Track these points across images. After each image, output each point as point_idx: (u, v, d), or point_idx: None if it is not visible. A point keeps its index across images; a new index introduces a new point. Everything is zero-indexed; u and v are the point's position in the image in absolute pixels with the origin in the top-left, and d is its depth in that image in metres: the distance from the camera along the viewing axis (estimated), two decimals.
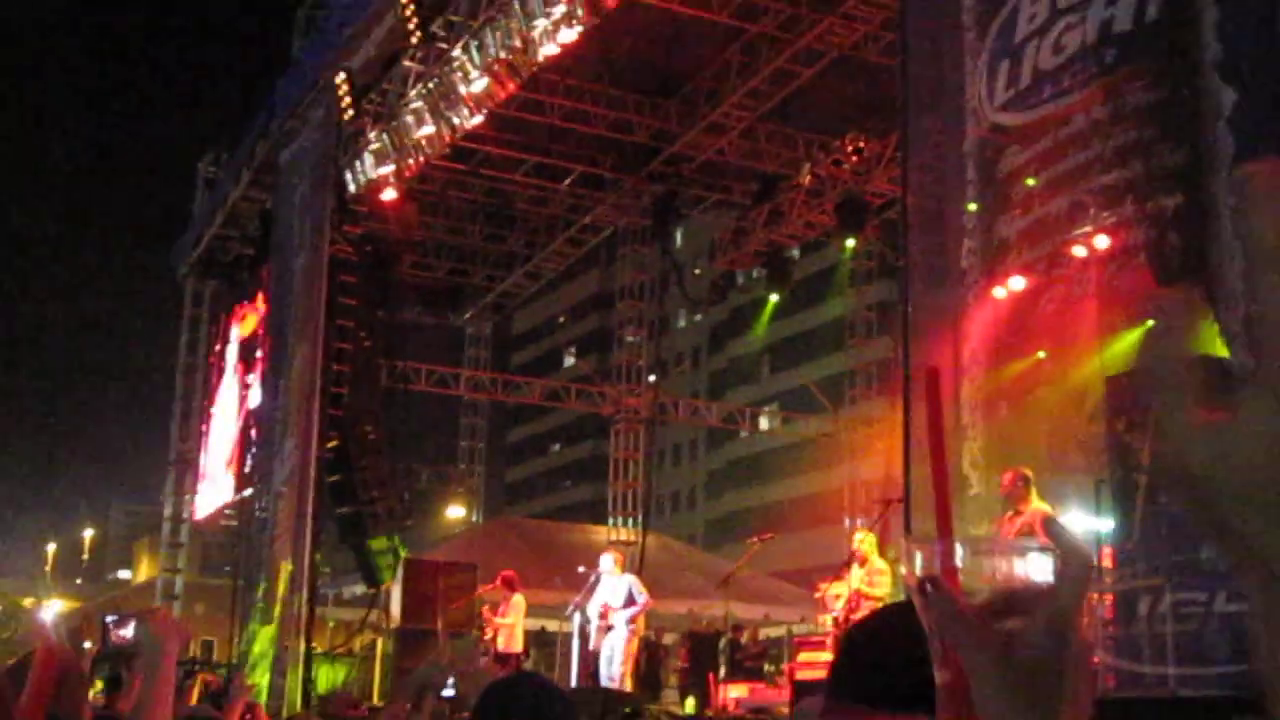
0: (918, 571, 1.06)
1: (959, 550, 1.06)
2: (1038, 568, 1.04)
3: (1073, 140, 11.16)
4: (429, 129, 21.26)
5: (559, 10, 17.94)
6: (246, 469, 27.53)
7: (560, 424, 76.68)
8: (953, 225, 12.60)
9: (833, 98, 22.59)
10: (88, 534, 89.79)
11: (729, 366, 68.75)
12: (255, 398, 27.50)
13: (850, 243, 25.99)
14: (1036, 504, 11.10)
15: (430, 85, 20.71)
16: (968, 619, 1.04)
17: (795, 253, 29.01)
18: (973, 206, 12.43)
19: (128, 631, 20.34)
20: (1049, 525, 1.13)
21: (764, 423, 53.65)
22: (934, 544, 1.05)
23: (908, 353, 12.68)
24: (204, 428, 31.19)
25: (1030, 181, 11.68)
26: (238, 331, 29.95)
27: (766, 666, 19.76)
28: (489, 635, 19.59)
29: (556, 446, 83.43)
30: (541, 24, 18.28)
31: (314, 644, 22.22)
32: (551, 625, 24.76)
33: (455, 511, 46.04)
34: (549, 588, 23.26)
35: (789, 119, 23.94)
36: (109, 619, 22.32)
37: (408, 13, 20.28)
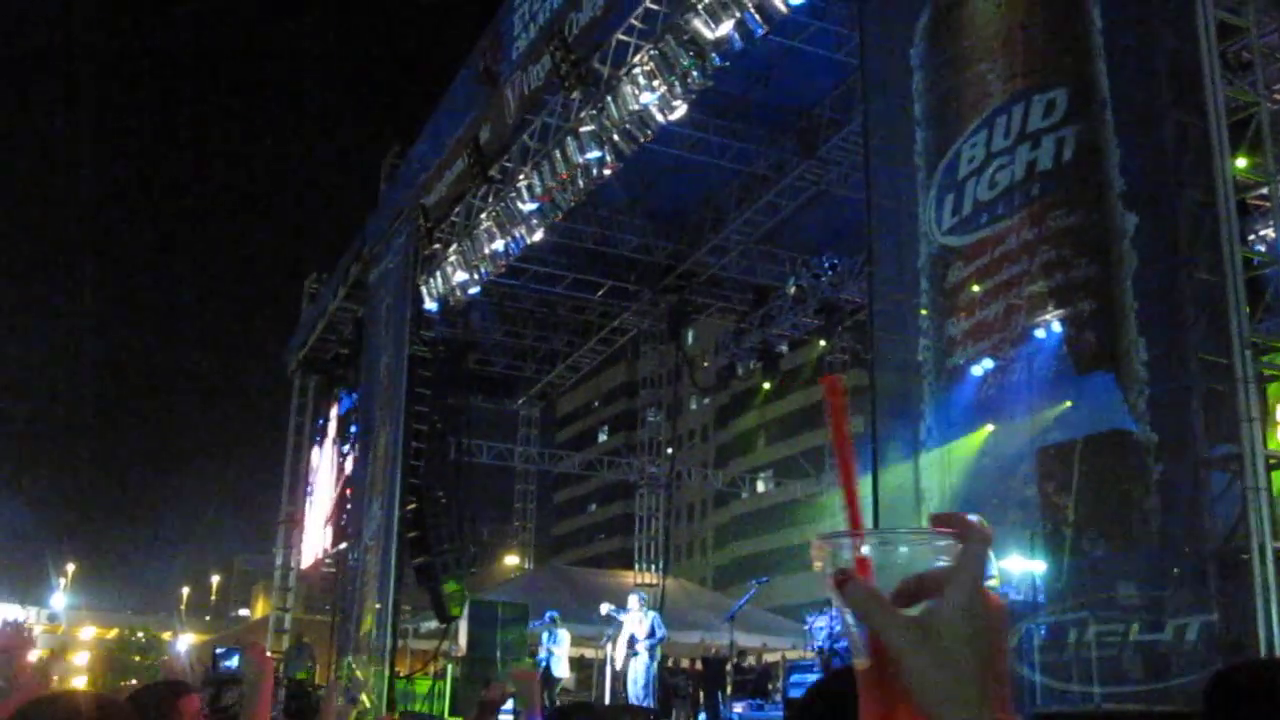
0: (830, 568, 0.98)
1: (868, 542, 0.96)
2: (937, 553, 0.97)
3: (1006, 257, 11.14)
4: (487, 252, 21.36)
5: (592, 156, 18.06)
6: (342, 525, 27.46)
7: (596, 488, 76.47)
8: (910, 326, 12.57)
9: (812, 224, 22.67)
10: (214, 580, 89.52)
11: (731, 441, 68.44)
12: (349, 467, 27.48)
13: (823, 342, 25.97)
14: None
15: (490, 217, 20.84)
16: (887, 605, 0.95)
17: (784, 348, 28.96)
18: (925, 311, 12.40)
19: (232, 661, 20.20)
20: (946, 512, 1.03)
21: (760, 486, 53.46)
22: (846, 539, 0.96)
23: (875, 429, 12.59)
24: (309, 489, 31.21)
25: (974, 289, 11.65)
26: (335, 414, 30.02)
27: (769, 685, 19.51)
28: (540, 662, 19.41)
29: (593, 506, 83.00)
30: (578, 167, 18.41)
31: (396, 669, 22.03)
32: (589, 653, 24.51)
33: (511, 560, 45.84)
34: (587, 622, 23.00)
35: (778, 241, 24.03)
36: (218, 650, 22.10)
37: (471, 160, 20.46)
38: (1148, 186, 9.81)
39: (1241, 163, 9.70)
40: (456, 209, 22.36)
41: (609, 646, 18.56)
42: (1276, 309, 9.55)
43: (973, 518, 0.96)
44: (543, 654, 19.42)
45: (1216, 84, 9.35)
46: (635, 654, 17.18)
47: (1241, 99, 9.71)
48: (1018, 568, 11.07)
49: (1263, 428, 8.81)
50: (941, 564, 0.94)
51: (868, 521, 1.01)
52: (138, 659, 61.42)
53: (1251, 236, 9.95)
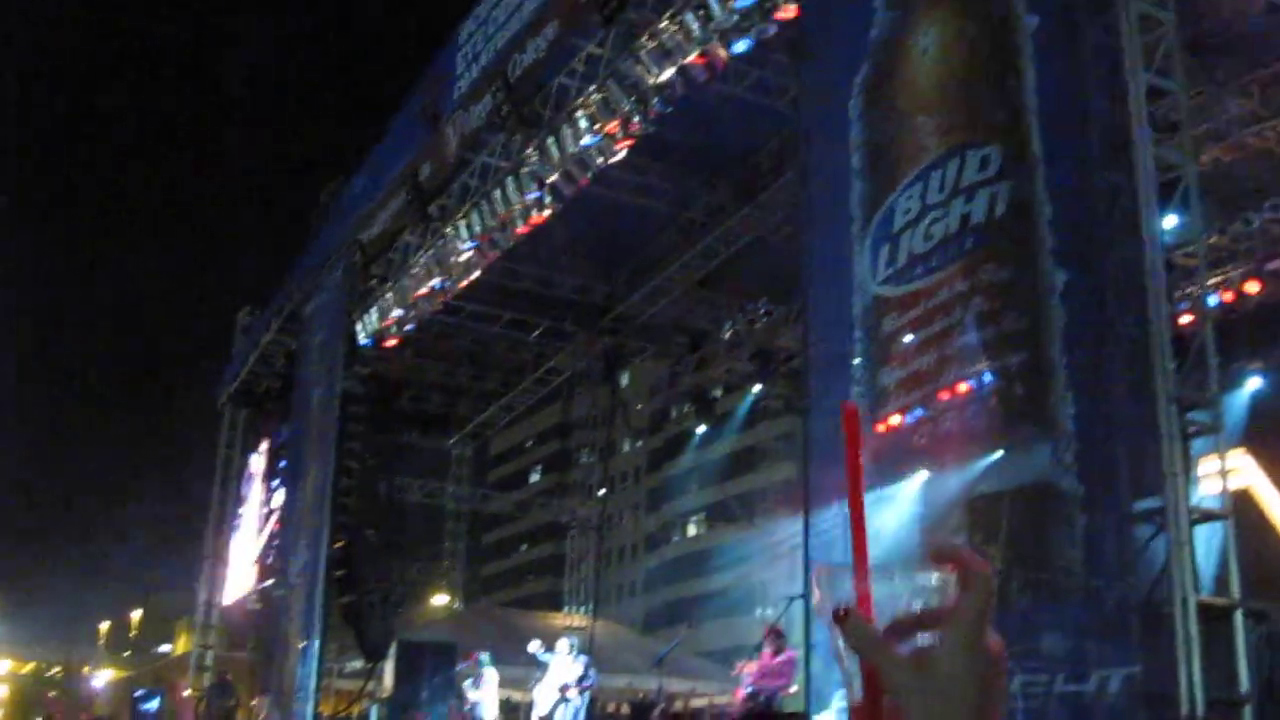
0: (830, 600, 0.97)
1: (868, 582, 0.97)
2: (936, 589, 0.96)
3: (939, 309, 11.26)
4: (424, 290, 21.33)
5: (531, 197, 18.11)
6: (268, 562, 27.11)
7: (527, 529, 75.77)
8: (844, 374, 12.65)
9: (749, 270, 22.83)
10: (135, 614, 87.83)
11: (664, 484, 68.40)
12: (277, 502, 27.16)
13: (758, 388, 25.97)
14: None
15: (427, 254, 20.80)
16: (884, 641, 0.95)
17: (718, 393, 29.06)
18: (859, 360, 12.49)
19: (151, 705, 19.92)
20: (947, 546, 1.02)
21: (691, 529, 53.55)
22: (847, 572, 0.96)
23: (808, 476, 12.64)
24: (235, 524, 30.76)
25: (907, 340, 11.76)
26: (266, 447, 29.68)
27: None
28: (467, 706, 19.25)
29: (523, 547, 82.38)
30: (517, 207, 18.45)
31: (320, 709, 21.73)
32: (517, 695, 24.29)
33: (439, 599, 45.44)
34: (516, 665, 22.81)
35: (714, 286, 24.15)
36: (137, 693, 21.72)
37: (410, 197, 20.44)
38: (1078, 244, 9.97)
39: (1169, 222, 9.91)
40: (394, 245, 22.30)
41: (536, 689, 18.41)
42: (1201, 366, 9.72)
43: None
44: (470, 695, 19.25)
45: (1146, 145, 9.56)
46: (566, 700, 17.06)
47: (1170, 160, 9.93)
48: None
49: (1186, 483, 8.95)
50: (937, 601, 0.95)
51: (833, 557, 1.02)
52: (54, 695, 60.04)
53: (1178, 294, 10.14)
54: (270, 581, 26.18)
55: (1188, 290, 10.89)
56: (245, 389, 30.47)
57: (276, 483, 27.79)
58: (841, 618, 0.96)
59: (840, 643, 0.97)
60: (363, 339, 23.35)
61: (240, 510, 30.63)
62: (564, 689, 17.15)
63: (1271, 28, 14.81)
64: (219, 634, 31.13)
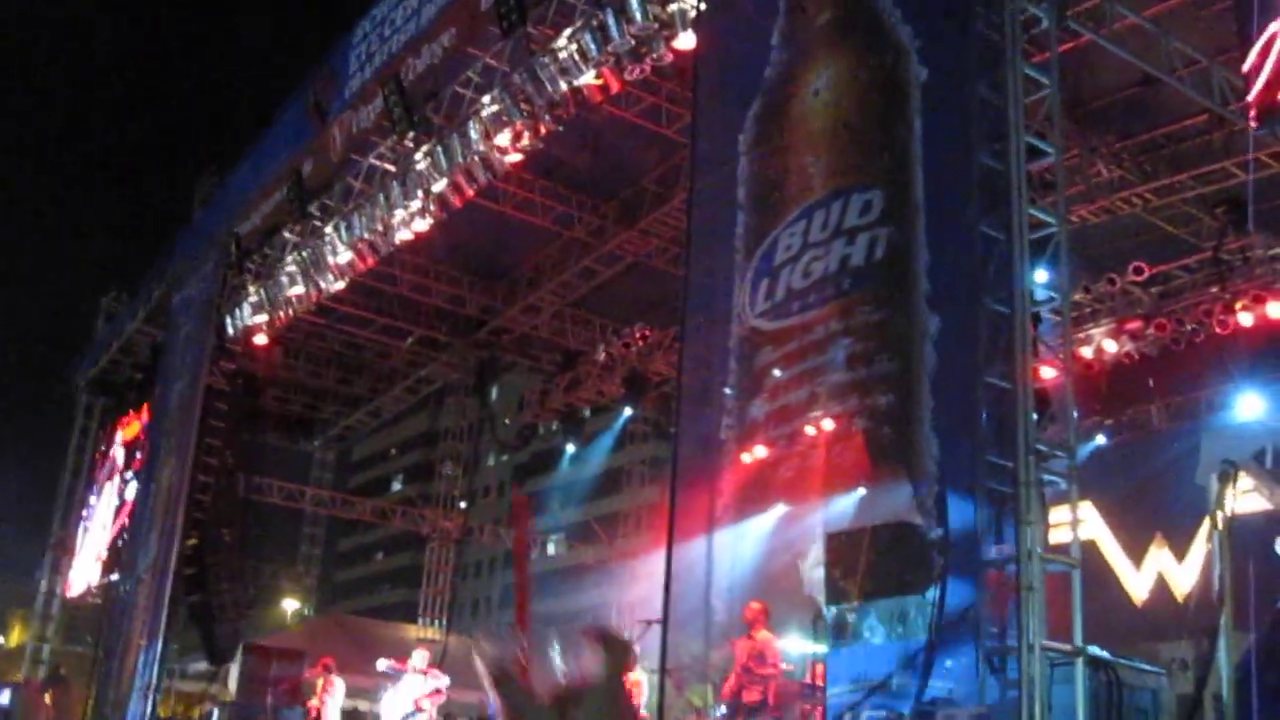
0: (490, 664, 1.01)
1: (528, 645, 1.01)
2: (589, 656, 1.03)
3: (813, 346, 11.41)
4: (299, 289, 20.97)
5: (415, 204, 17.94)
6: (116, 554, 26.32)
7: (384, 537, 74.92)
8: (715, 404, 12.73)
9: (627, 293, 22.92)
10: None
11: (527, 500, 67.95)
12: (131, 494, 26.41)
13: (628, 410, 25.92)
14: (765, 633, 11.21)
15: (304, 253, 20.47)
16: (534, 699, 1.03)
17: (587, 413, 29.05)
18: (729, 390, 12.59)
19: (3, 698, 19.15)
20: (598, 627, 1.10)
21: (550, 548, 53.33)
22: (507, 640, 1.02)
23: (674, 501, 12.67)
24: (86, 514, 29.79)
25: (777, 374, 11.89)
26: (122, 436, 28.85)
27: None
28: (312, 715, 18.89)
29: (380, 555, 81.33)
30: (400, 214, 18.25)
31: (160, 710, 21.12)
32: (363, 705, 23.93)
33: (291, 604, 44.63)
34: (364, 674, 22.48)
35: (591, 307, 24.20)
36: None
37: (290, 193, 20.07)
38: (951, 291, 10.20)
39: (1040, 276, 10.20)
40: (271, 241, 21.88)
41: (384, 697, 18.13)
42: (1060, 419, 10.01)
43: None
44: (315, 703, 18.92)
45: (1022, 203, 9.83)
46: (418, 711, 16.87)
47: (1043, 218, 10.22)
48: (798, 649, 11.30)
49: (1042, 531, 9.20)
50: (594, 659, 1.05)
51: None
52: None
53: (1043, 347, 10.43)
54: (116, 576, 25.42)
55: (1051, 345, 11.21)
56: (105, 376, 29.63)
57: (131, 475, 27.03)
58: (499, 679, 1.04)
59: (497, 701, 1.05)
60: (231, 334, 22.86)
61: (93, 500, 29.71)
62: (416, 700, 16.96)
63: (1146, 99, 15.38)
64: (58, 627, 30.14)
